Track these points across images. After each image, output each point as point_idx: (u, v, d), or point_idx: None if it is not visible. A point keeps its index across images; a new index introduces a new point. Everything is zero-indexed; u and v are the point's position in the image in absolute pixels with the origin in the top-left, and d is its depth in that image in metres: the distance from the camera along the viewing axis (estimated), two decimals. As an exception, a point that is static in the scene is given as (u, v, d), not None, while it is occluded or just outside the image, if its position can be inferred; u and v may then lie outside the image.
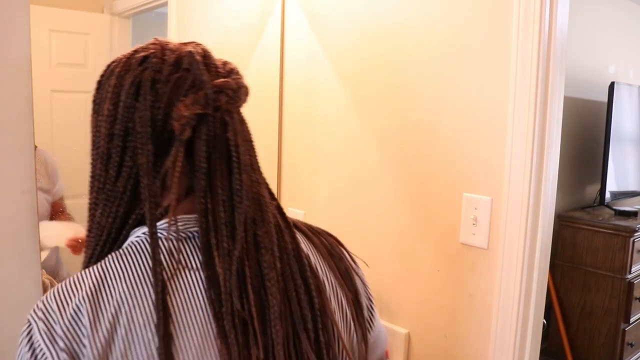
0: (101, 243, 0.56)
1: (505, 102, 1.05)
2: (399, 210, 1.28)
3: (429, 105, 1.20)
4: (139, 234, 0.55)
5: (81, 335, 0.49)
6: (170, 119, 0.52)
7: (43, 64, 1.22)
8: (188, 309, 0.52)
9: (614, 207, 2.65)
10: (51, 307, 0.50)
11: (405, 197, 1.27)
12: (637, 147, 2.91)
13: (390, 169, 1.30)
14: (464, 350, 1.16)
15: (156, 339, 0.49)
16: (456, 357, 1.18)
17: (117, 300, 0.50)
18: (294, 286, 0.56)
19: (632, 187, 2.89)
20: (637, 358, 2.56)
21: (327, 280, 0.62)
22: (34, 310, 0.51)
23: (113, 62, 0.58)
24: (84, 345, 0.49)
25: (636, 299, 2.41)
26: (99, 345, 0.49)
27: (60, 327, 0.49)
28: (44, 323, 0.50)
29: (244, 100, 0.58)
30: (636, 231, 2.36)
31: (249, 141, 0.58)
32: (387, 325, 1.31)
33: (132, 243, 0.55)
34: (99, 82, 0.58)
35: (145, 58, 0.54)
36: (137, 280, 0.52)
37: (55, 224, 1.26)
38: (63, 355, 0.48)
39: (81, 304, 0.50)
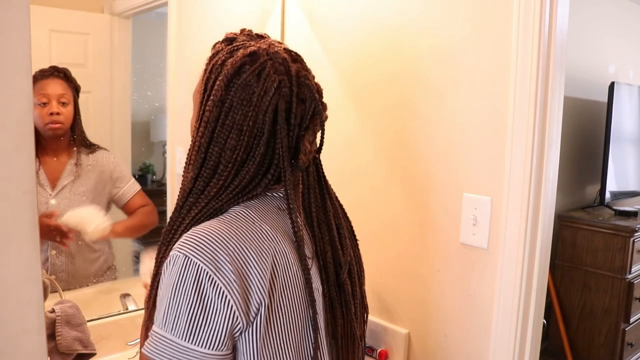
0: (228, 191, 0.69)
1: (505, 102, 1.05)
2: (399, 210, 1.28)
3: (429, 105, 1.20)
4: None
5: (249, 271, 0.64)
6: (299, 145, 0.70)
7: (43, 64, 1.22)
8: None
9: (614, 207, 2.65)
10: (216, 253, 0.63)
11: (405, 197, 1.27)
12: (637, 147, 2.91)
13: (390, 169, 1.30)
14: (464, 350, 1.16)
15: (300, 273, 0.68)
16: (456, 357, 1.18)
17: (272, 247, 0.66)
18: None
19: (632, 187, 2.90)
20: (637, 358, 2.56)
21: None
22: (195, 255, 0.62)
23: (244, 62, 0.68)
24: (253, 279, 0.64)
25: (636, 299, 2.41)
26: (267, 280, 0.64)
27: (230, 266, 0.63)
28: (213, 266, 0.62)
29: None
30: (636, 231, 2.36)
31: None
32: (387, 326, 1.31)
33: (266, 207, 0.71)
34: (229, 80, 0.67)
35: (279, 83, 0.67)
36: (282, 235, 0.69)
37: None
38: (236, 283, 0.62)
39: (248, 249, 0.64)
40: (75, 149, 1.31)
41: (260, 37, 0.74)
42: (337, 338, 0.77)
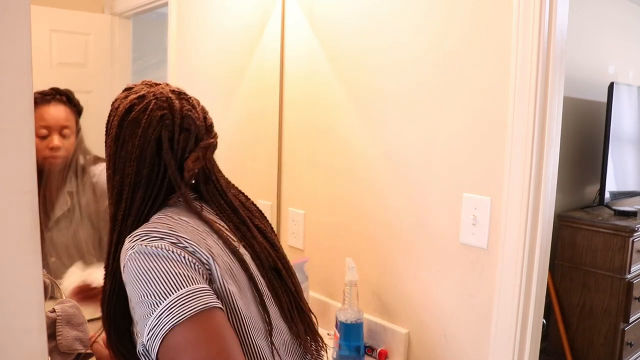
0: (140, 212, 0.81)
1: (505, 102, 1.05)
2: (399, 210, 1.28)
3: (429, 105, 1.20)
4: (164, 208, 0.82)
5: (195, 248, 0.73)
6: (183, 165, 0.81)
7: (43, 64, 1.22)
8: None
9: (614, 207, 2.65)
10: (162, 233, 0.73)
11: (405, 197, 1.27)
12: (636, 147, 2.91)
13: (390, 169, 1.30)
14: (464, 350, 1.16)
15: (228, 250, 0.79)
16: (456, 357, 1.18)
17: (197, 230, 0.77)
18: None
19: (631, 187, 2.90)
20: (637, 358, 2.56)
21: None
22: (144, 244, 0.71)
23: (133, 103, 0.81)
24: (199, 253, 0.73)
25: (635, 298, 2.41)
26: (208, 255, 0.73)
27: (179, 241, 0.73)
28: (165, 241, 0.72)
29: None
30: (635, 231, 2.36)
31: (220, 172, 0.90)
32: (387, 325, 1.31)
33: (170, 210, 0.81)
34: (121, 119, 0.80)
35: (161, 117, 0.79)
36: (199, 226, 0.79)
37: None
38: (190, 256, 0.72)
39: (184, 237, 0.74)
40: (69, 175, 1.23)
41: (156, 85, 0.86)
42: (287, 313, 0.85)
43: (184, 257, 0.70)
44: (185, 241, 0.73)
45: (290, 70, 1.56)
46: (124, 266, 0.71)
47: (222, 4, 1.45)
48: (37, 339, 0.57)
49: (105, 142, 0.85)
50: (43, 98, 1.16)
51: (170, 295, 0.65)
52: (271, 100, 1.58)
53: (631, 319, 2.43)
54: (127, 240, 0.74)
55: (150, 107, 0.80)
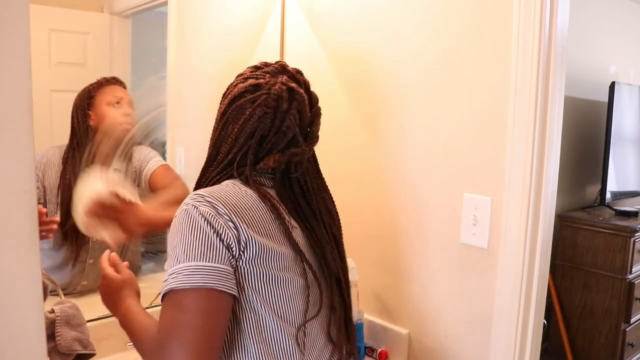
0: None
1: (505, 102, 1.05)
2: (399, 210, 1.28)
3: (429, 105, 1.20)
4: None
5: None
6: (265, 158, 0.88)
7: (43, 63, 1.22)
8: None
9: (615, 207, 2.64)
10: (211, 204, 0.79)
11: (405, 197, 1.26)
12: (637, 147, 2.91)
13: (390, 168, 1.30)
14: (464, 351, 1.16)
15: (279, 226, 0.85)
16: (456, 357, 1.18)
17: (251, 201, 0.83)
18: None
19: (632, 187, 2.89)
20: (638, 358, 2.56)
21: None
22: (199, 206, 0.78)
23: (247, 90, 0.86)
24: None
25: (637, 299, 2.41)
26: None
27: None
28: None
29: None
30: (636, 231, 2.36)
31: (317, 175, 0.98)
32: (387, 326, 1.31)
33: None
34: (231, 100, 0.87)
35: (263, 115, 0.85)
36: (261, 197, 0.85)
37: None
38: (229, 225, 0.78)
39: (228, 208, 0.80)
40: (116, 154, 1.28)
41: (284, 72, 0.89)
42: (335, 321, 0.90)
43: (217, 233, 0.77)
44: (231, 214, 0.78)
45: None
46: (175, 216, 0.80)
47: (222, 3, 1.45)
48: (36, 339, 0.57)
49: (219, 107, 0.91)
50: (109, 80, 1.28)
51: (184, 262, 0.75)
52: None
53: (632, 320, 2.42)
54: (190, 194, 0.82)
55: (258, 101, 0.84)
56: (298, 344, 0.83)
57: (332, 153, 1.45)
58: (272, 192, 0.87)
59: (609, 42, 2.96)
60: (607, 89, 2.57)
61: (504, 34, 1.05)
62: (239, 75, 0.91)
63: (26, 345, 0.57)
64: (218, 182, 0.87)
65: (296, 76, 0.90)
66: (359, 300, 1.28)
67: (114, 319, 0.93)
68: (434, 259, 1.21)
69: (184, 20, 1.39)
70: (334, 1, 1.41)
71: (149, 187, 1.32)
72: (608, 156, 2.56)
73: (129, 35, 1.35)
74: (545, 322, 1.24)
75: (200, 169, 0.93)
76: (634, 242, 2.37)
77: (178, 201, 0.84)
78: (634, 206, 2.75)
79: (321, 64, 1.45)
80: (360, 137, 1.36)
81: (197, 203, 0.79)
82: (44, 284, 0.89)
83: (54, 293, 1.07)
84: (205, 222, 0.77)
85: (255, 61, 1.56)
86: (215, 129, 0.91)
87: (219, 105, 0.92)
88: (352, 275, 1.26)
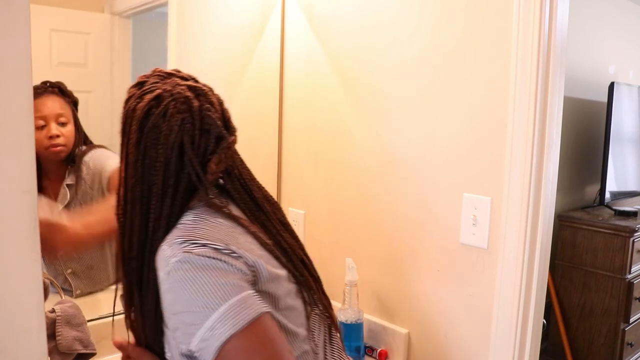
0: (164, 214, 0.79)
1: (505, 102, 1.05)
2: (399, 209, 1.28)
3: (429, 104, 1.20)
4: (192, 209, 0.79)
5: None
6: (206, 167, 0.79)
7: (43, 63, 1.22)
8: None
9: (614, 207, 2.65)
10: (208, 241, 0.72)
11: (405, 197, 1.27)
12: (637, 147, 2.91)
13: (390, 168, 1.30)
14: (464, 350, 1.16)
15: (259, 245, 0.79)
16: (456, 357, 1.18)
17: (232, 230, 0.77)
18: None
19: (631, 187, 2.89)
20: (637, 358, 2.56)
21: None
22: (192, 253, 0.70)
23: (150, 106, 0.78)
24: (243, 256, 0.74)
25: (636, 299, 2.41)
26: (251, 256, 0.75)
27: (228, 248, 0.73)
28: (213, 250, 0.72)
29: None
30: (636, 231, 2.36)
31: (243, 164, 0.88)
32: (387, 325, 1.31)
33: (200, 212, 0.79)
34: (140, 124, 0.78)
35: (182, 121, 0.77)
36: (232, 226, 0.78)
37: None
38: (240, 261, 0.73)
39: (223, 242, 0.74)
40: (68, 168, 1.23)
41: (169, 75, 0.82)
42: (317, 296, 0.89)
43: (230, 264, 0.71)
44: (228, 246, 0.72)
45: (291, 70, 1.56)
46: (167, 273, 0.70)
47: (222, 4, 1.45)
48: (37, 339, 0.57)
49: (122, 143, 0.81)
50: (35, 92, 1.16)
51: (221, 306, 0.67)
52: (271, 100, 1.58)
53: (631, 319, 2.42)
54: (165, 245, 0.73)
55: (170, 111, 0.77)
56: (311, 347, 0.83)
57: (331, 153, 1.45)
58: (232, 207, 0.81)
59: (608, 43, 2.96)
60: (607, 89, 2.58)
61: (503, 34, 1.05)
62: (127, 100, 0.81)
63: (27, 344, 0.57)
64: (173, 216, 0.78)
65: (180, 74, 0.84)
66: (359, 300, 1.28)
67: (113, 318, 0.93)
68: (434, 259, 1.21)
69: (184, 21, 1.39)
70: (334, 1, 1.41)
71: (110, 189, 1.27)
72: (607, 156, 2.56)
73: (130, 35, 1.35)
74: (545, 322, 1.24)
75: (136, 221, 0.79)
76: (633, 242, 2.37)
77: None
78: (633, 206, 2.75)
79: (321, 64, 1.45)
80: (360, 137, 1.37)
81: (187, 249, 0.70)
82: (44, 283, 0.89)
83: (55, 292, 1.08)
84: (210, 260, 0.70)
85: (256, 61, 1.57)
86: (134, 163, 0.78)
87: (120, 142, 0.83)
88: (352, 275, 1.26)
